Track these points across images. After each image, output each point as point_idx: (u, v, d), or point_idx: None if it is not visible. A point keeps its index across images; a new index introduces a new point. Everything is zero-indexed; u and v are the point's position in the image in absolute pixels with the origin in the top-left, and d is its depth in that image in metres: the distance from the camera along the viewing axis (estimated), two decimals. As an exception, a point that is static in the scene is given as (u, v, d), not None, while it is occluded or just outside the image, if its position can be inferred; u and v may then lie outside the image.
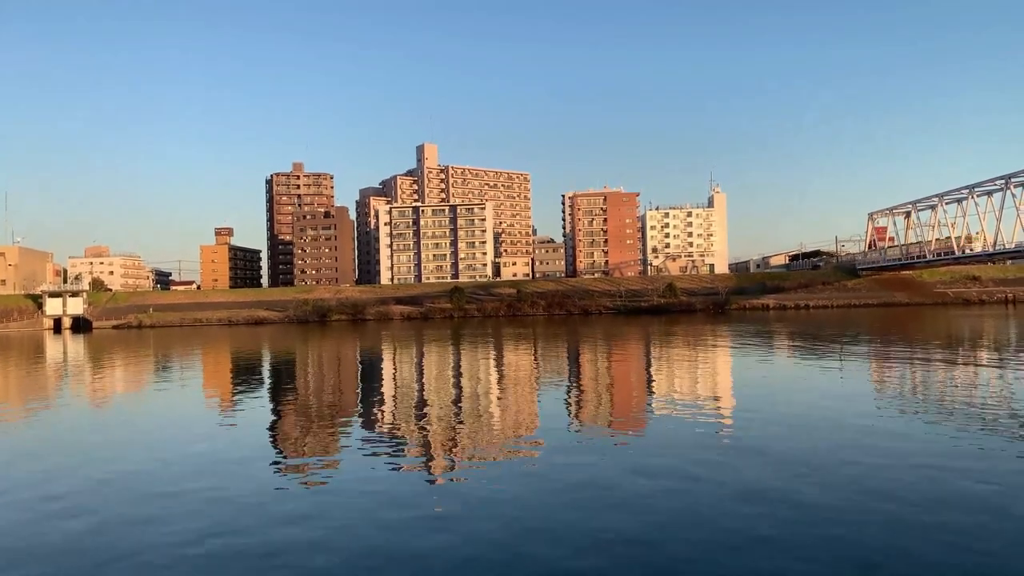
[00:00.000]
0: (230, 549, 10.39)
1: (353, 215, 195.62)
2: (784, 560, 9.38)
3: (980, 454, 14.60)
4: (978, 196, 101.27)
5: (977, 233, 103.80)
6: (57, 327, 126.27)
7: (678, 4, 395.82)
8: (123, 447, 18.51)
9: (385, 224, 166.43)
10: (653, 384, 28.77)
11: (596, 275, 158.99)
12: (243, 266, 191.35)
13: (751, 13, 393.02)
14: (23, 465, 16.53)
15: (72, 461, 16.69)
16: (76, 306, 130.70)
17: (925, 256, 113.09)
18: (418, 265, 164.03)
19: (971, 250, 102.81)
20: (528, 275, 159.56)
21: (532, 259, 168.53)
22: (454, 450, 16.88)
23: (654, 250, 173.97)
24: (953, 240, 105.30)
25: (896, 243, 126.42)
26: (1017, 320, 68.66)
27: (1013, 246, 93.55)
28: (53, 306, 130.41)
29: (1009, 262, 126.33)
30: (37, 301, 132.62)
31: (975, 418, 18.31)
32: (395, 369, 39.19)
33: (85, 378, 39.24)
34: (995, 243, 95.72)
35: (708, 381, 29.44)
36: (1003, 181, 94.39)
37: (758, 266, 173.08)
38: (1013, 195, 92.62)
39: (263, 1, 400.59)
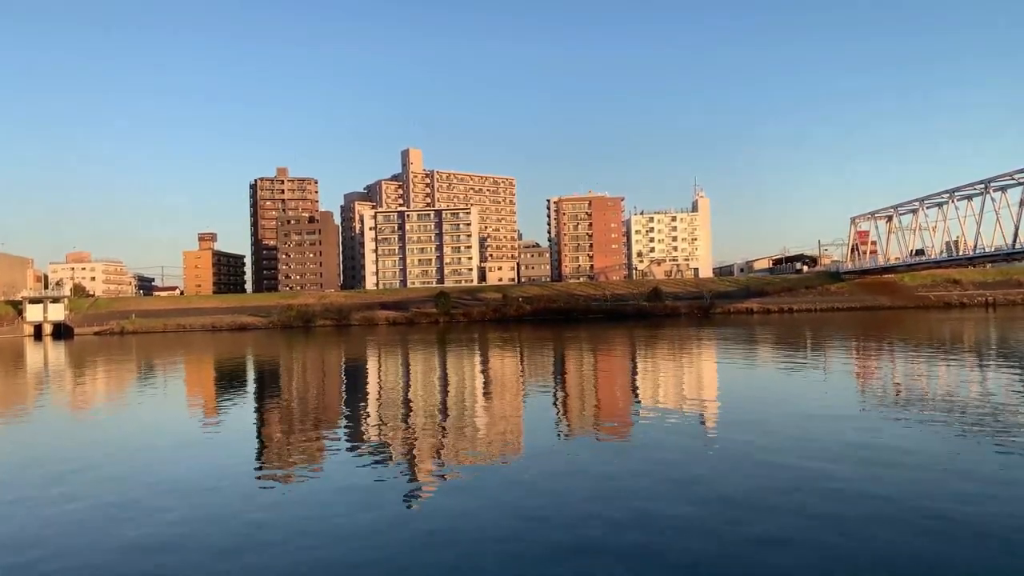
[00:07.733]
0: (206, 556, 10.28)
1: (338, 220, 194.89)
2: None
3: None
4: (958, 200, 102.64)
5: (957, 237, 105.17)
6: (38, 334, 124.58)
7: (665, 7, 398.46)
8: (102, 453, 18.27)
9: (370, 229, 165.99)
10: (638, 391, 28.81)
11: (582, 279, 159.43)
12: (227, 272, 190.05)
13: (736, 16, 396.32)
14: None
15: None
16: (57, 312, 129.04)
17: (906, 260, 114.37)
18: (403, 270, 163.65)
19: (951, 254, 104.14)
20: (514, 280, 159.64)
21: (518, 264, 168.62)
22: (436, 459, 16.76)
23: (639, 254, 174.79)
24: (933, 244, 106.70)
25: (878, 247, 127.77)
26: (997, 323, 69.47)
27: (992, 249, 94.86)
28: (34, 312, 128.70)
29: (989, 265, 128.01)
30: (17, 308, 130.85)
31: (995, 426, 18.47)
32: (380, 375, 39.01)
33: (65, 385, 38.71)
34: (975, 247, 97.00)
35: (693, 388, 29.54)
36: (983, 185, 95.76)
37: (742, 270, 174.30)
38: (992, 199, 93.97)
39: (246, 4, 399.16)
